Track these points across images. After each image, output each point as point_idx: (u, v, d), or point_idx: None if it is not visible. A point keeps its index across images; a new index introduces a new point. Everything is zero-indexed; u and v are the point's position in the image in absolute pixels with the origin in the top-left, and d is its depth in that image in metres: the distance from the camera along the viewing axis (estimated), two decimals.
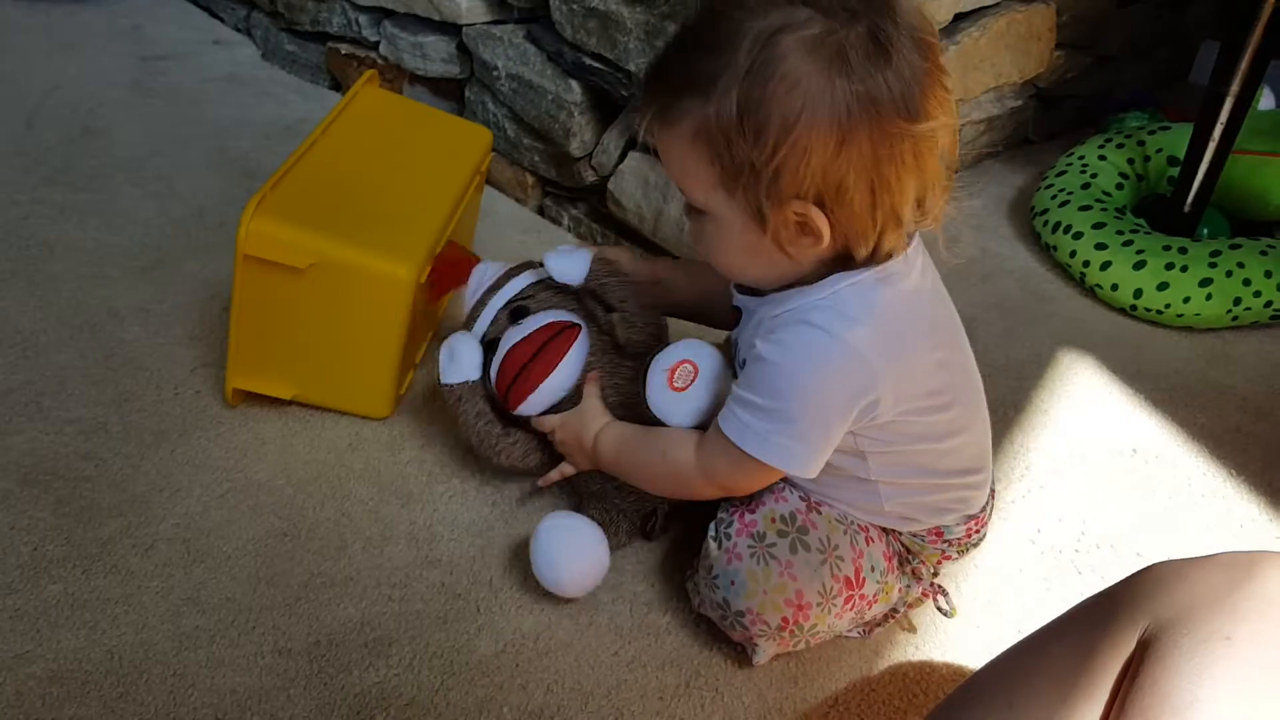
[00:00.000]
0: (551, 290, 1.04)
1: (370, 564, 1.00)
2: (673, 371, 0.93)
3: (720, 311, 0.95)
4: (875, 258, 0.77)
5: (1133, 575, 0.66)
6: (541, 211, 1.60)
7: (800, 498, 0.92)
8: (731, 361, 0.94)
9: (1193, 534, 1.14)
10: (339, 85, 1.83)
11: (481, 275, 1.08)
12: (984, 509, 0.96)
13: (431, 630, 0.94)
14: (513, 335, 1.01)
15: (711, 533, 0.91)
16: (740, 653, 0.95)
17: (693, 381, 0.92)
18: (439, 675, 0.91)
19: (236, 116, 1.73)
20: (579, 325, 1.01)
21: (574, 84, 1.43)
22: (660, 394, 0.93)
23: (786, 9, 0.70)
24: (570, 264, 1.00)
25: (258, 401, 1.14)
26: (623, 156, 1.45)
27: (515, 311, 1.03)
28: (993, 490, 0.98)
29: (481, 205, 1.44)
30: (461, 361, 1.02)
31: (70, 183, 1.50)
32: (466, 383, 1.02)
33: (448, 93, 1.67)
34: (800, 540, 0.88)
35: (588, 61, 1.39)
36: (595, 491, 1.03)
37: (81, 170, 1.53)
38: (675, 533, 1.06)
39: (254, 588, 0.96)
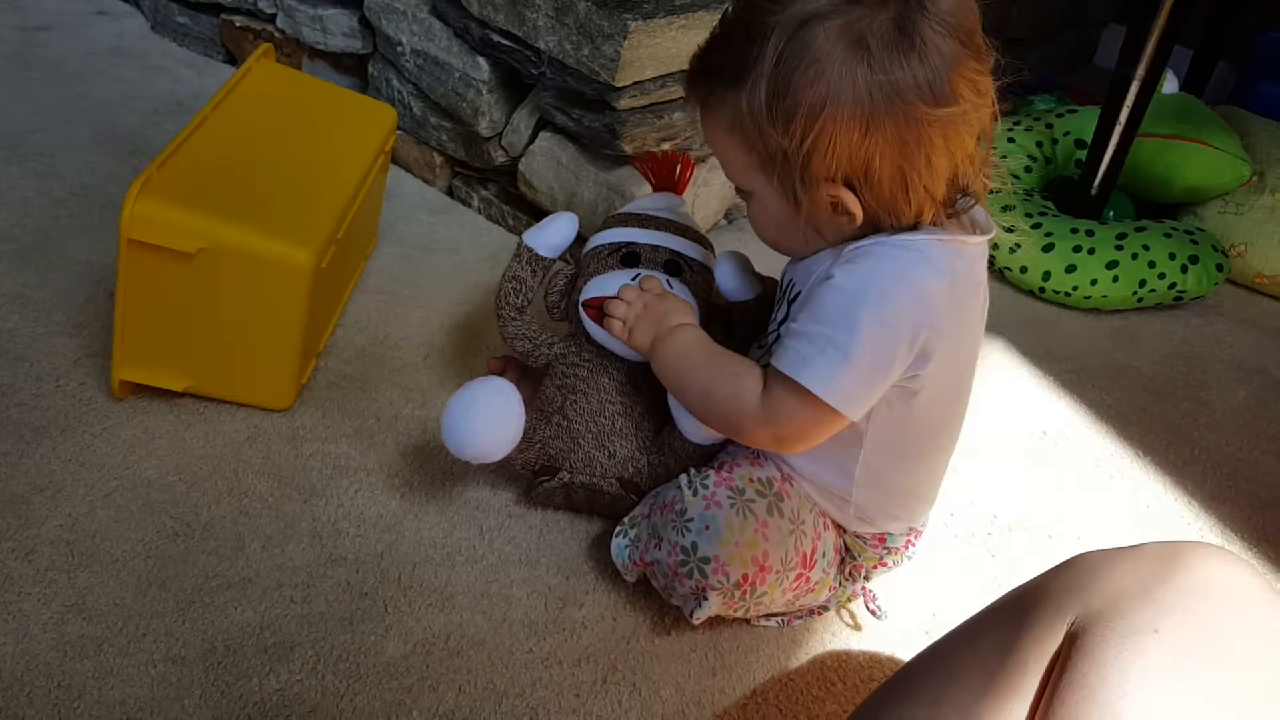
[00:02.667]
0: (703, 276, 1.04)
1: (270, 564, 0.95)
2: None
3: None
4: (922, 226, 0.79)
5: (1058, 566, 0.66)
6: (451, 192, 1.55)
7: (776, 467, 0.92)
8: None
9: (1102, 515, 1.16)
10: (234, 59, 1.75)
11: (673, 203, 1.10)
12: (923, 524, 0.97)
13: (336, 632, 0.90)
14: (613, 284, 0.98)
15: (685, 483, 0.90)
16: (664, 637, 0.93)
17: None
18: (344, 680, 0.87)
19: (124, 91, 1.64)
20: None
21: (482, 61, 1.39)
22: None
23: None
24: (737, 284, 1.03)
25: (147, 394, 1.08)
26: (534, 137, 1.41)
27: (627, 258, 1.02)
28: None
29: (387, 186, 1.39)
30: (547, 232, 1.04)
31: None
32: (534, 251, 1.04)
33: (350, 68, 1.61)
34: (777, 506, 0.89)
35: (496, 38, 1.35)
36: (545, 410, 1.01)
37: None
38: (589, 525, 1.04)
39: (144, 592, 0.91)
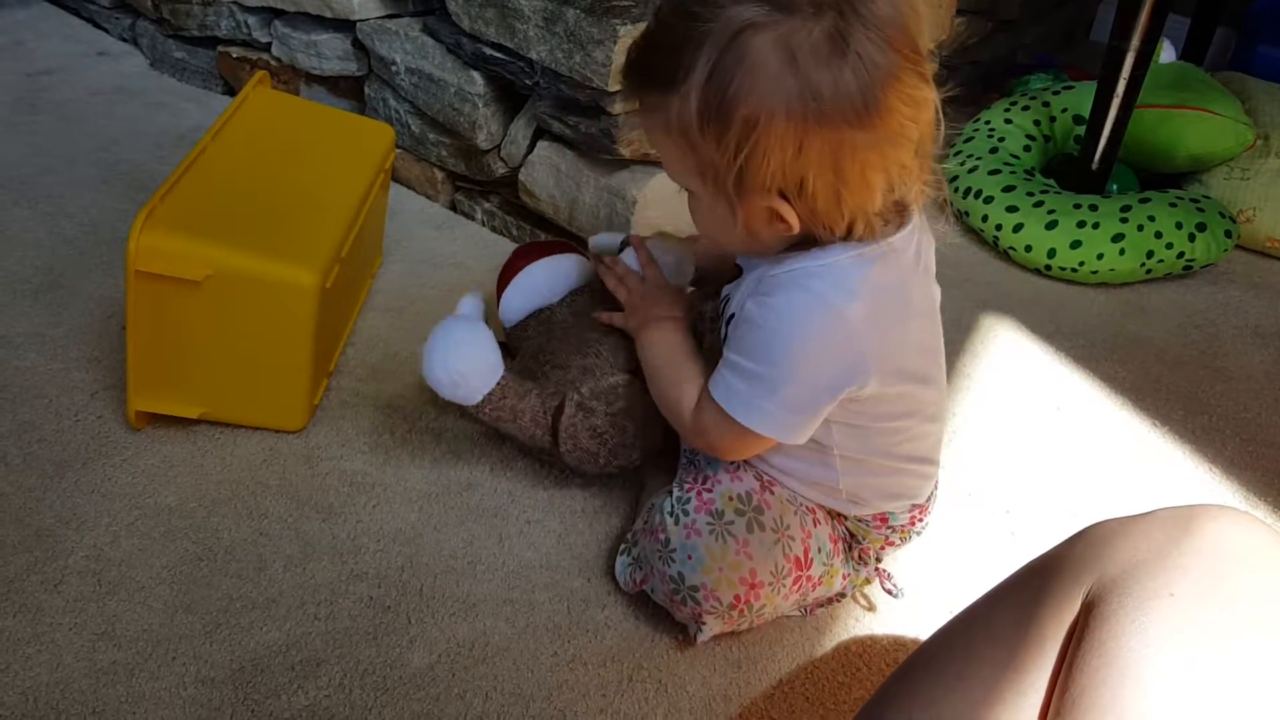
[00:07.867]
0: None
1: (293, 583, 0.96)
2: None
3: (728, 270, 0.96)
4: (854, 235, 0.77)
5: (1074, 536, 0.66)
6: (454, 207, 1.56)
7: (755, 476, 0.92)
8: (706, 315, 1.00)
9: (1122, 487, 1.15)
10: (233, 90, 1.77)
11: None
12: (929, 499, 0.97)
13: (361, 647, 0.91)
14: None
15: (667, 509, 0.90)
16: (683, 638, 0.94)
17: None
18: (372, 693, 0.87)
19: (127, 129, 1.66)
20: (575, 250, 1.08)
21: (476, 75, 1.40)
22: None
23: (751, 6, 0.70)
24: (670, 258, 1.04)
25: (163, 422, 1.09)
26: (532, 146, 1.42)
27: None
28: (936, 482, 0.98)
29: (390, 205, 1.41)
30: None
31: None
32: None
33: (347, 91, 1.62)
34: (756, 520, 0.88)
35: (488, 51, 1.36)
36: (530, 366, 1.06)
37: None
38: (608, 526, 1.05)
39: (171, 616, 0.92)
